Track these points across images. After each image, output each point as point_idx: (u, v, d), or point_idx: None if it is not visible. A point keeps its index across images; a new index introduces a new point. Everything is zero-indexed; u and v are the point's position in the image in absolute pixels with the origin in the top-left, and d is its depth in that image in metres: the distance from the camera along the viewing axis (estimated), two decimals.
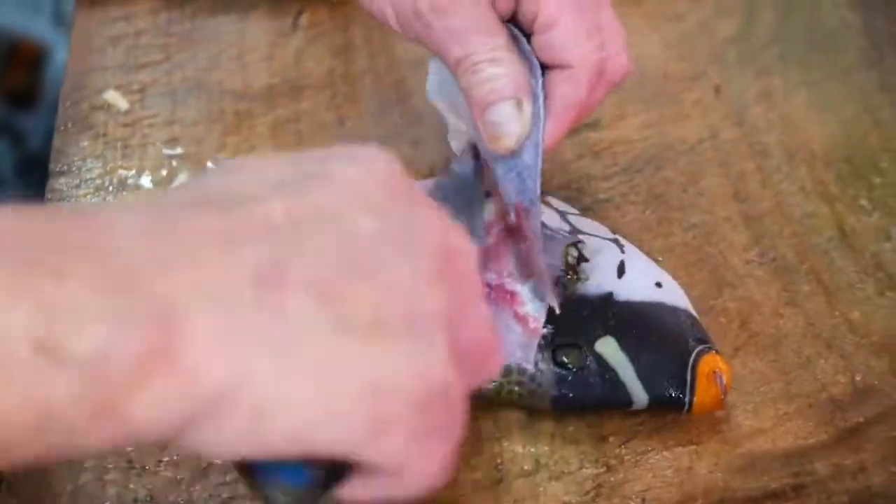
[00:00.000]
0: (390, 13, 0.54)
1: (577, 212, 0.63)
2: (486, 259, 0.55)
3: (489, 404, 0.56)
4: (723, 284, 0.63)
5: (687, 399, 0.54)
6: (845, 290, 0.62)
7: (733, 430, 0.56)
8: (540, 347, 0.54)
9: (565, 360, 0.54)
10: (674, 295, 0.57)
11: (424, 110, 0.70)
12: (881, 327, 0.61)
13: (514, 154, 0.53)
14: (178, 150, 0.69)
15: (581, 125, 0.70)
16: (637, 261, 0.58)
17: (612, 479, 0.54)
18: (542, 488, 0.54)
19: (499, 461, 0.55)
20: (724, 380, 0.54)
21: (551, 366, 0.54)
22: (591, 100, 0.55)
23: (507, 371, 0.54)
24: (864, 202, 0.67)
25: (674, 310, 0.56)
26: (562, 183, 0.68)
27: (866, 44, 0.77)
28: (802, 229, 0.66)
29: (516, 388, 0.54)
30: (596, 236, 0.58)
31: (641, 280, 0.57)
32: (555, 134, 0.54)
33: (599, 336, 0.54)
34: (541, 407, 0.54)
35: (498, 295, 0.55)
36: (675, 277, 0.61)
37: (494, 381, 0.54)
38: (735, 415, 0.57)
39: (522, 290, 0.55)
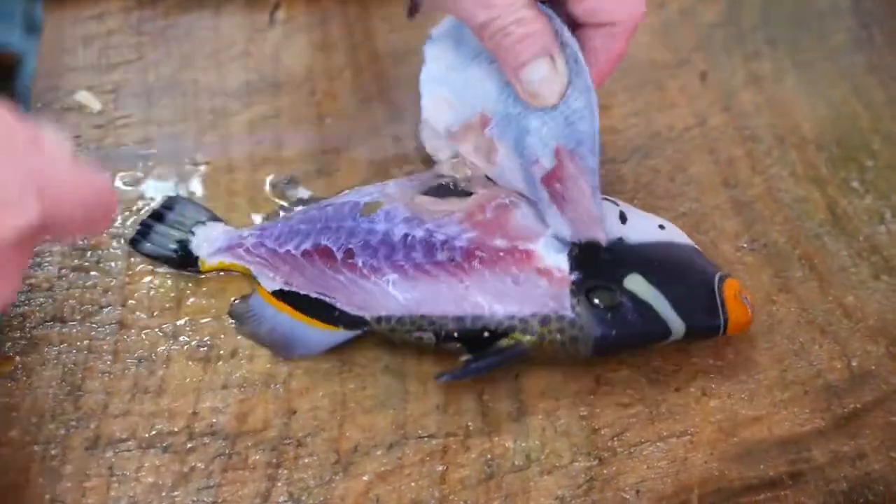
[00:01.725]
0: None
1: None
2: (491, 230, 0.57)
3: (531, 361, 0.57)
4: None
5: (721, 322, 0.56)
6: (838, 275, 0.63)
7: (728, 418, 0.57)
8: (573, 293, 0.55)
9: (599, 301, 0.55)
10: (678, 234, 0.59)
11: (405, 105, 0.70)
12: (876, 311, 0.61)
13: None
14: (153, 151, 0.69)
15: None
16: (634, 210, 0.60)
17: (605, 471, 0.55)
18: (533, 483, 0.54)
19: (489, 457, 0.55)
20: (749, 298, 0.57)
21: (589, 308, 0.55)
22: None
23: (546, 320, 0.55)
24: (855, 185, 0.68)
25: (682, 246, 0.58)
26: None
27: (855, 25, 0.78)
28: (794, 214, 0.66)
29: (558, 337, 0.55)
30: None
31: (644, 224, 0.59)
32: (599, 81, 0.56)
33: (626, 274, 0.56)
34: (582, 353, 0.56)
35: (514, 257, 0.56)
36: None
37: (535, 334, 0.55)
38: (730, 403, 0.57)
39: (538, 246, 0.57)
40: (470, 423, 0.56)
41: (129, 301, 0.61)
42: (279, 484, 0.54)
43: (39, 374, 0.58)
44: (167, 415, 0.57)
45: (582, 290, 0.55)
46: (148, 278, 0.62)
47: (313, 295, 0.58)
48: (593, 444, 0.56)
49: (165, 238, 0.63)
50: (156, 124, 0.70)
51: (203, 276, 0.62)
